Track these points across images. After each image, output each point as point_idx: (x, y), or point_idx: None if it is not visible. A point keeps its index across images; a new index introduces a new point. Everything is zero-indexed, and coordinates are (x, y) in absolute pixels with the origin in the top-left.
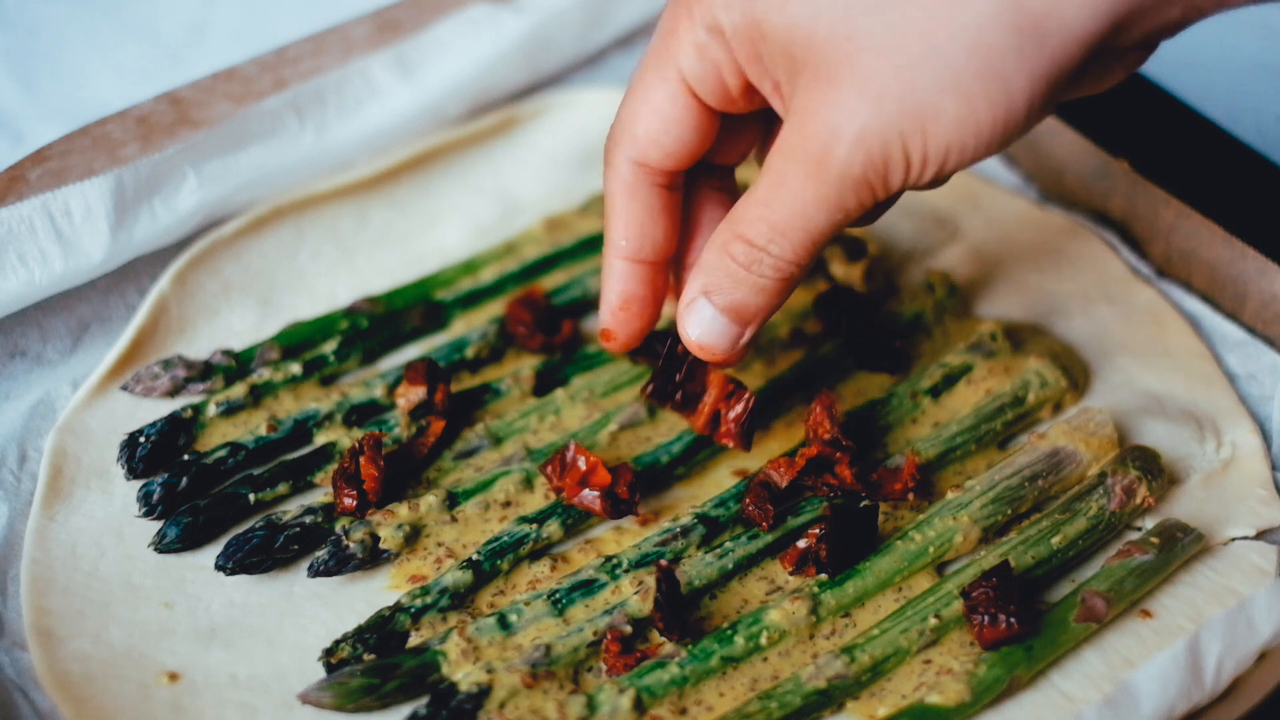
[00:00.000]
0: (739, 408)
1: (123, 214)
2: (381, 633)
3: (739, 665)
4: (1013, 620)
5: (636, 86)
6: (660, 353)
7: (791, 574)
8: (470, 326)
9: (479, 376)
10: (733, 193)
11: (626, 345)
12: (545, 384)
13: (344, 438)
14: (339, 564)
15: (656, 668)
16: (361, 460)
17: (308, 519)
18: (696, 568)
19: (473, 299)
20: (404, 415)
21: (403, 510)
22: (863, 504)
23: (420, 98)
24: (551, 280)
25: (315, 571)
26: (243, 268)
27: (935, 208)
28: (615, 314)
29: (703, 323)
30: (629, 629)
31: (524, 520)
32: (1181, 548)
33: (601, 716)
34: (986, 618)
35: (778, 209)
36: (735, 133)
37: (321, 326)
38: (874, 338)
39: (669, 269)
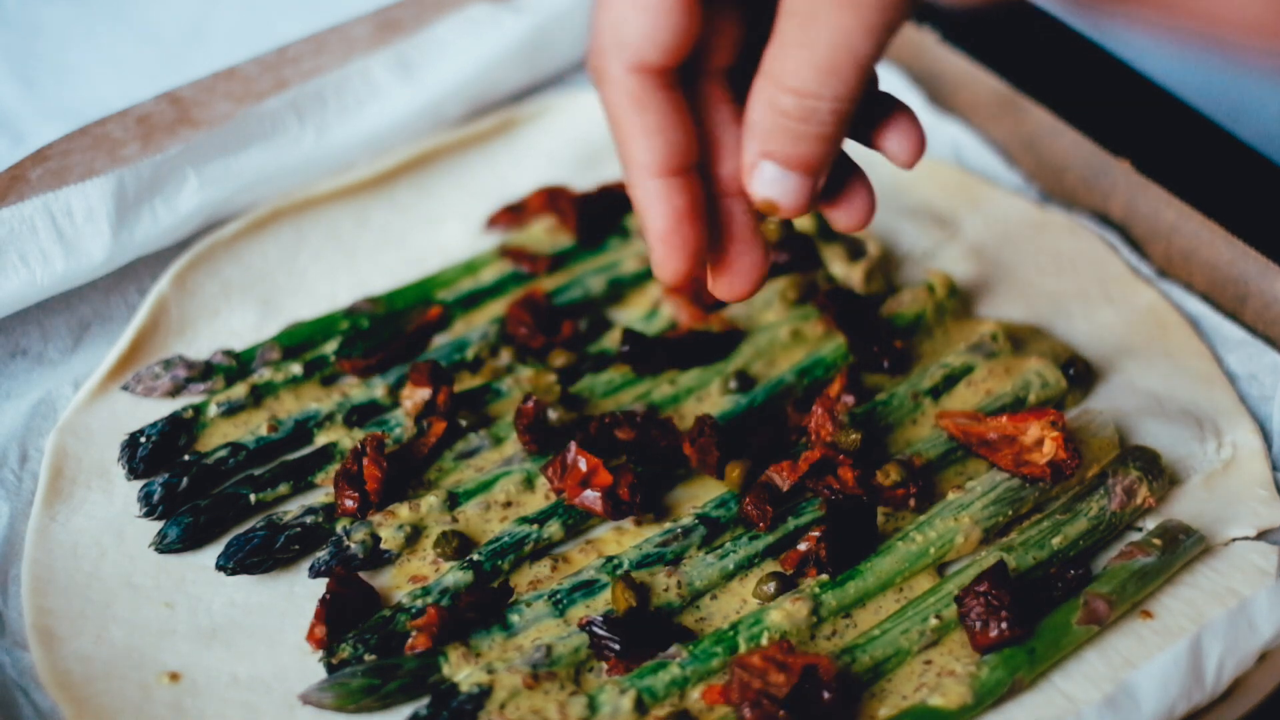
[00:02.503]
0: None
1: (124, 214)
2: (382, 633)
3: None
4: (1004, 626)
5: None
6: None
7: (791, 575)
8: (470, 326)
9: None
10: (730, 89)
11: (686, 269)
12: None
13: (345, 438)
14: (341, 565)
15: (657, 668)
16: (364, 461)
17: (308, 519)
18: (697, 568)
19: (473, 299)
20: (409, 416)
21: (403, 511)
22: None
23: (420, 98)
24: (552, 281)
25: (316, 572)
26: (243, 268)
27: (935, 208)
28: (668, 238)
29: (772, 183)
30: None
31: (525, 521)
32: (1183, 549)
33: (602, 717)
34: (979, 623)
35: (819, 48)
36: (719, 23)
37: (322, 327)
38: (874, 338)
39: (698, 175)
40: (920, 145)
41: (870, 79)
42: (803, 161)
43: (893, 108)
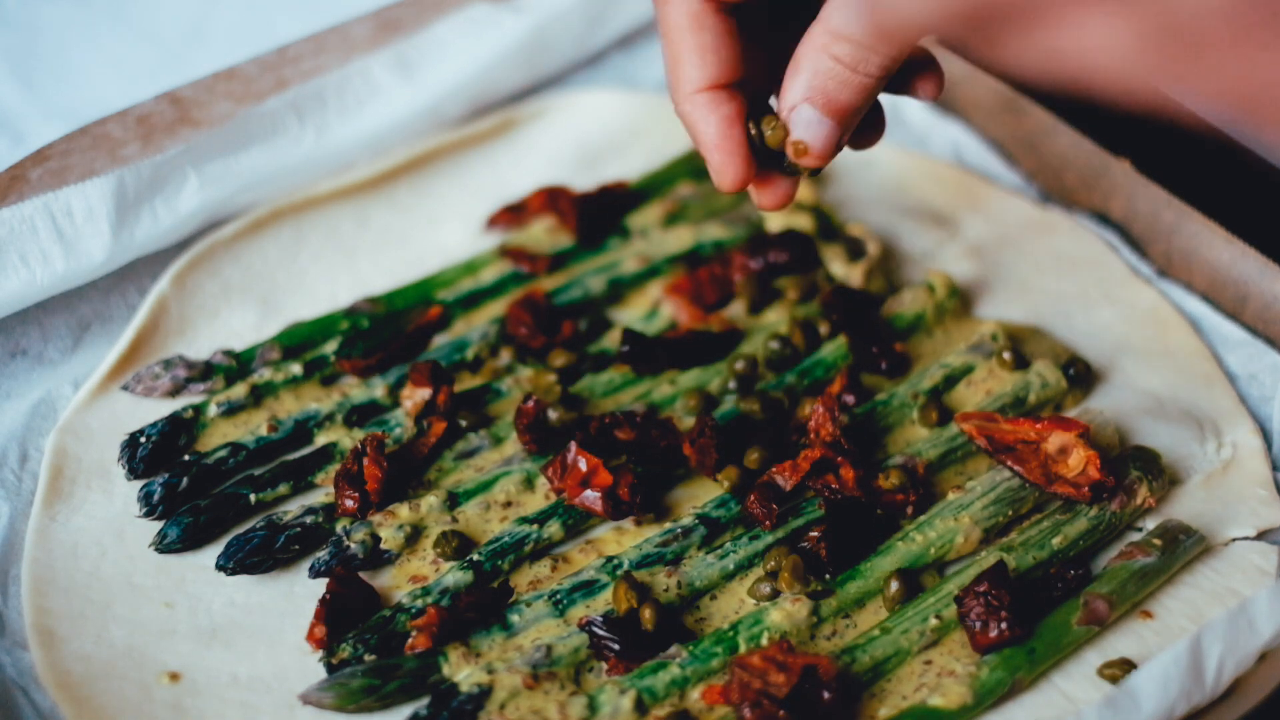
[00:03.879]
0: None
1: (124, 214)
2: (382, 633)
3: None
4: (1004, 626)
5: None
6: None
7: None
8: (470, 326)
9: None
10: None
11: (743, 172)
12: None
13: (344, 438)
14: (341, 565)
15: (658, 668)
16: (364, 461)
17: (308, 519)
18: (697, 568)
19: (473, 299)
20: (409, 416)
21: (403, 511)
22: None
23: (420, 98)
24: (552, 281)
25: (316, 572)
26: (243, 269)
27: (935, 208)
28: (722, 143)
29: (809, 125)
30: None
31: (524, 521)
32: (1184, 550)
33: (602, 717)
34: (979, 623)
35: (886, 12)
36: None
37: (322, 327)
38: (874, 339)
39: (739, 91)
40: (942, 81)
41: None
42: (841, 109)
43: (920, 56)
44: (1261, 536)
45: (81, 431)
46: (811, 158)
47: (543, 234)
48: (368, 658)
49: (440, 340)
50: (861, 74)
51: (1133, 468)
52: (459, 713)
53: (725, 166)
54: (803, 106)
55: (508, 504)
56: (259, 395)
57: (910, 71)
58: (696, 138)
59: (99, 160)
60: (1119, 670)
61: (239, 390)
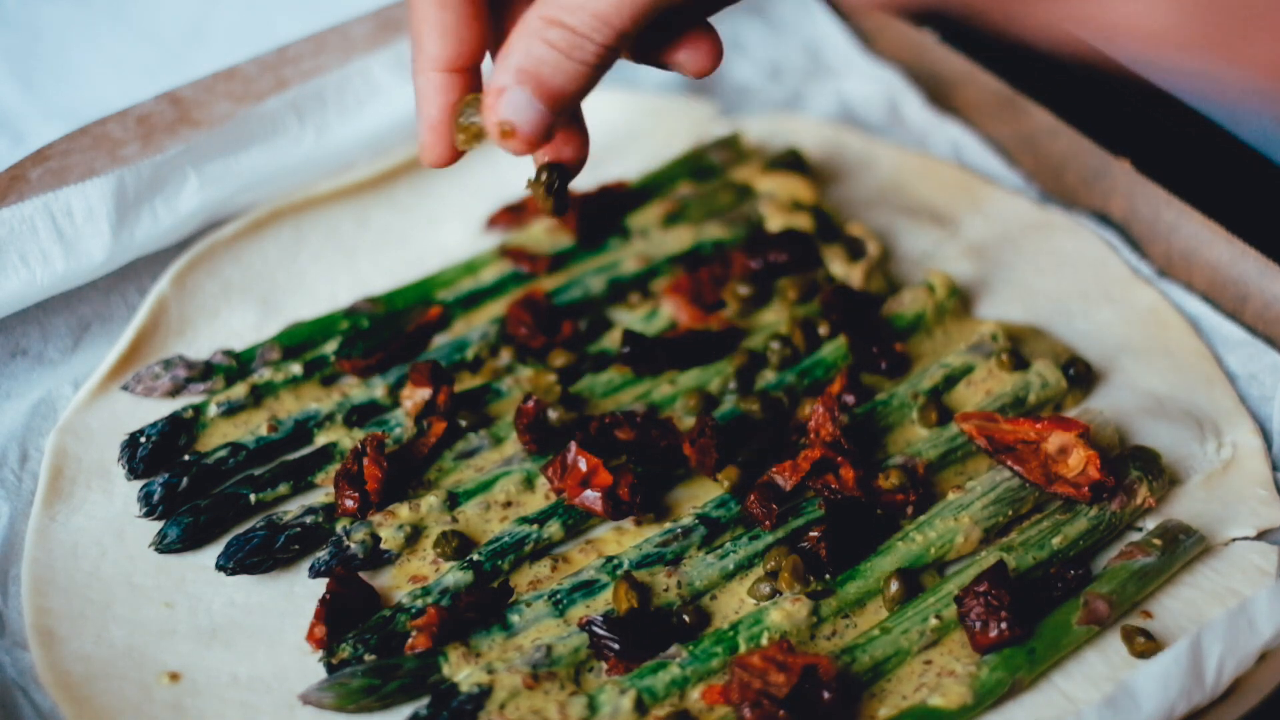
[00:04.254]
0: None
1: (124, 214)
2: (382, 633)
3: None
4: (1004, 626)
5: None
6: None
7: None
8: (470, 326)
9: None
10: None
11: (449, 157)
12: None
13: (345, 438)
14: (341, 565)
15: (658, 668)
16: (364, 461)
17: (308, 519)
18: (697, 568)
19: (473, 299)
20: (409, 416)
21: (403, 511)
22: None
23: None
24: (552, 281)
25: (316, 572)
26: (243, 269)
27: (935, 207)
28: (437, 128)
29: (516, 108)
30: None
31: (525, 521)
32: (1183, 550)
33: (602, 717)
34: (979, 623)
35: None
36: None
37: (322, 327)
38: (874, 339)
39: (475, 75)
40: (716, 55)
41: (655, 17)
42: (553, 94)
43: (690, 28)
44: (1261, 536)
45: (81, 431)
46: (518, 141)
47: (543, 234)
48: (368, 658)
49: (440, 340)
50: (576, 61)
51: (1133, 468)
52: (459, 713)
53: (433, 148)
54: (514, 88)
55: (508, 504)
56: (259, 395)
57: (667, 40)
58: (419, 111)
59: (99, 160)
60: (1143, 642)
61: (239, 390)
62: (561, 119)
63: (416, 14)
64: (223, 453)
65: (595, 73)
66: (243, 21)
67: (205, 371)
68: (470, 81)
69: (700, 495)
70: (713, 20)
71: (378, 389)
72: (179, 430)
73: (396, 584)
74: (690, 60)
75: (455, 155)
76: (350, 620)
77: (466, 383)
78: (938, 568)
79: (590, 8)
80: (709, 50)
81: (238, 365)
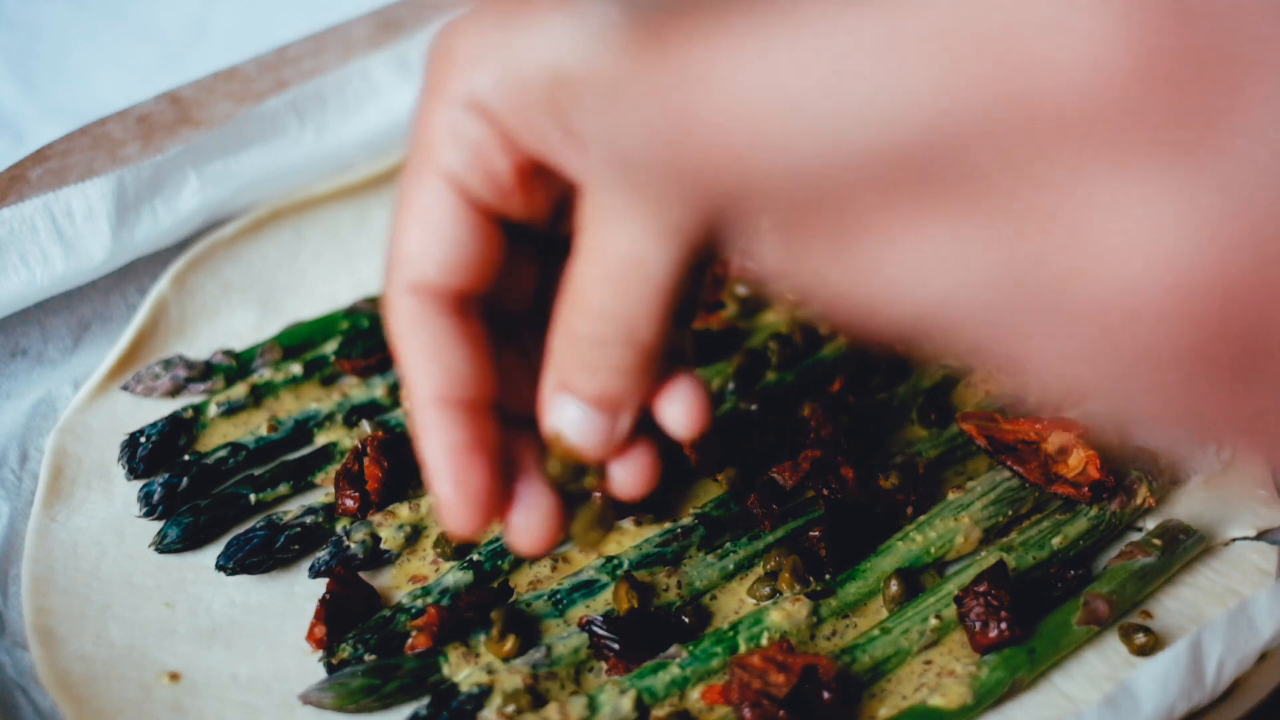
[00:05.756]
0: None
1: (124, 215)
2: (382, 633)
3: None
4: (1004, 626)
5: (401, 203)
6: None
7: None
8: None
9: None
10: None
11: (473, 515)
12: None
13: (345, 438)
14: (341, 565)
15: (658, 668)
16: (365, 461)
17: (308, 519)
18: (697, 568)
19: None
20: (410, 416)
21: (403, 511)
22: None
23: None
24: None
25: (316, 572)
26: (243, 269)
27: None
28: (450, 476)
29: (571, 421)
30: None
31: None
32: (1184, 549)
33: (602, 717)
34: (979, 623)
35: (607, 261)
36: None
37: (322, 327)
38: (874, 339)
39: (495, 415)
40: (705, 415)
41: (677, 312)
42: (602, 398)
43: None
44: (1261, 536)
45: (81, 431)
46: (586, 457)
47: None
48: (368, 658)
49: None
50: (608, 354)
51: (1133, 468)
52: (459, 713)
53: (450, 505)
54: (560, 397)
55: None
56: (259, 395)
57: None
58: (424, 461)
59: (99, 160)
60: (1143, 642)
61: (239, 390)
62: (634, 418)
63: (397, 346)
64: (223, 453)
65: (637, 363)
66: (243, 21)
67: (205, 371)
68: (479, 419)
69: (700, 495)
70: None
71: (378, 389)
72: (179, 430)
73: (396, 584)
74: (675, 412)
75: (482, 514)
76: (350, 620)
77: None
78: (938, 568)
79: (600, 278)
80: (693, 401)
81: (238, 365)
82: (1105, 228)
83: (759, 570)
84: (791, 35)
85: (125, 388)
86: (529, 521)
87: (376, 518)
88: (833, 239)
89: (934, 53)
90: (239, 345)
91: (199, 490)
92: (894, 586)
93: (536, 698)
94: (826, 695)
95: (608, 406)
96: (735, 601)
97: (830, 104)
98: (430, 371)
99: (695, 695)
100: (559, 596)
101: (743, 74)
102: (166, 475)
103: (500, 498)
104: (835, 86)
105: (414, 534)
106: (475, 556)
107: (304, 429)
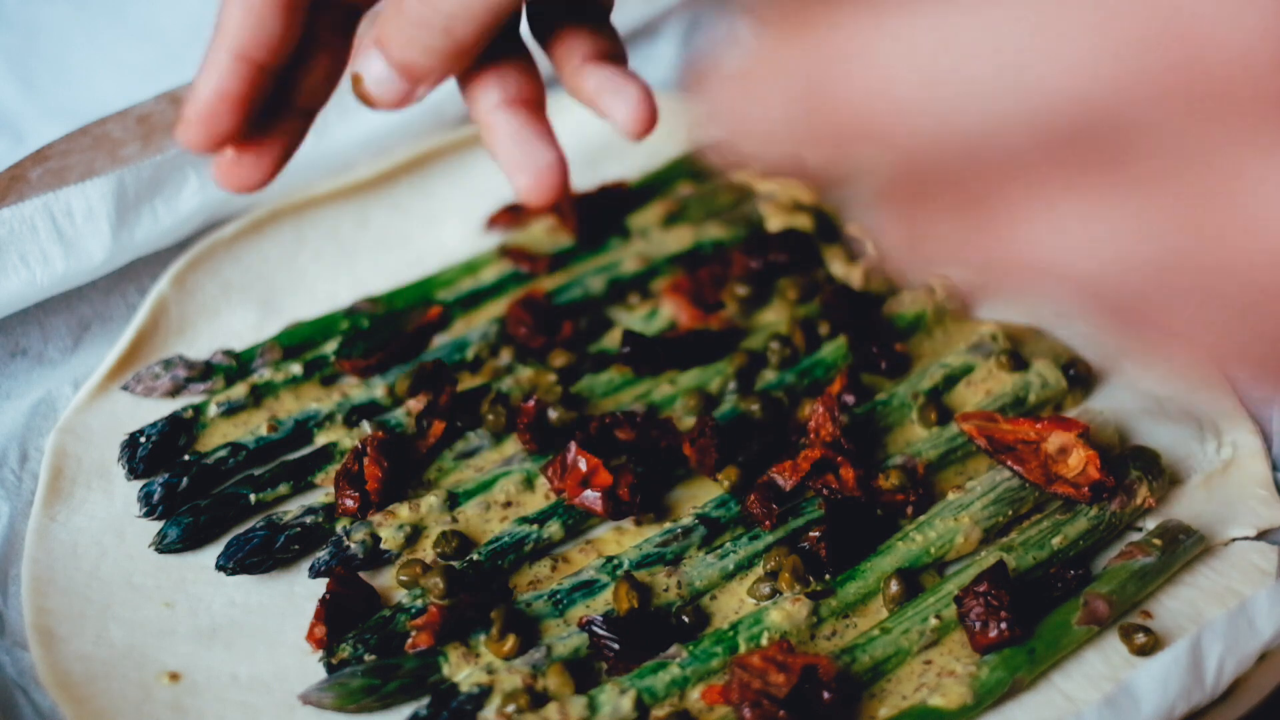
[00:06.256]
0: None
1: (124, 214)
2: (382, 633)
3: None
4: (1004, 626)
5: None
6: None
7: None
8: (470, 326)
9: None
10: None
11: (207, 145)
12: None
13: (345, 438)
14: (341, 565)
15: (658, 668)
16: (365, 461)
17: (308, 519)
18: (697, 568)
19: (473, 299)
20: (411, 416)
21: (403, 511)
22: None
23: None
24: (552, 281)
25: (316, 572)
26: (243, 269)
27: None
28: (207, 106)
29: (374, 73)
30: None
31: (525, 521)
32: (1183, 549)
33: (602, 717)
34: (979, 623)
35: None
36: None
37: (322, 327)
38: (874, 338)
39: (273, 79)
40: (647, 115)
41: (508, 22)
42: (409, 67)
43: (619, 75)
44: (1261, 536)
45: (81, 431)
46: (378, 104)
47: (543, 234)
48: (368, 658)
49: (440, 340)
50: (425, 36)
51: (1133, 468)
52: (459, 713)
53: (195, 131)
54: (373, 51)
55: (508, 504)
56: (259, 395)
57: (585, 83)
58: (196, 85)
59: (99, 160)
60: (1143, 642)
61: (239, 390)
62: (427, 91)
63: None
64: (223, 453)
65: (449, 49)
66: None
67: (205, 371)
68: (259, 78)
69: (700, 495)
70: (727, 12)
71: (378, 389)
72: (179, 430)
73: (396, 584)
74: (616, 108)
75: (210, 143)
76: (350, 620)
77: (466, 383)
78: (938, 568)
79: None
80: (634, 100)
81: (238, 365)
82: (1266, 204)
83: (759, 570)
84: (942, 8)
85: (125, 388)
86: (246, 158)
87: (376, 518)
88: (974, 212)
89: (1100, 22)
90: (239, 345)
91: (199, 490)
92: (894, 586)
93: (536, 698)
94: (826, 695)
95: (409, 75)
96: (735, 601)
97: (984, 75)
98: (237, 31)
99: (695, 695)
100: (559, 596)
101: (889, 45)
102: (166, 475)
103: (233, 135)
104: (990, 58)
105: (414, 534)
106: (475, 556)
107: (304, 429)
